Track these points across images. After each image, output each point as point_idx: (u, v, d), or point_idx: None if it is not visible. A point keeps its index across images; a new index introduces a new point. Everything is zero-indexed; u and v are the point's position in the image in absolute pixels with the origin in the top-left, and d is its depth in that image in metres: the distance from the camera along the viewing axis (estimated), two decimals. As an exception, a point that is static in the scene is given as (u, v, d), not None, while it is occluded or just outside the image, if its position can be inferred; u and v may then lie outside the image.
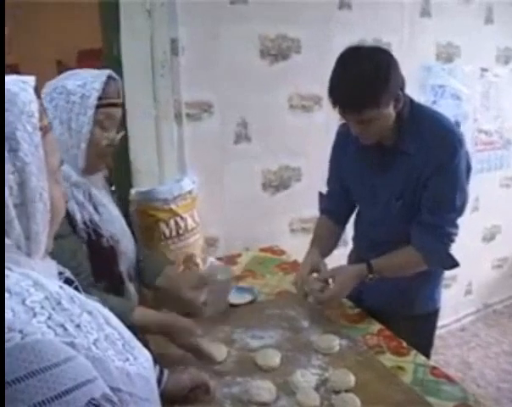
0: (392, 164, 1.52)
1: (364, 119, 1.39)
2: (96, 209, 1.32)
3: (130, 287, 1.43)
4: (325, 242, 1.76)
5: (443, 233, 1.51)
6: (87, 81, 1.25)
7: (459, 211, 1.52)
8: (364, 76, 1.35)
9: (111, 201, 1.42)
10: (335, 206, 1.78)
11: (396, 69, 1.41)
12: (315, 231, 1.82)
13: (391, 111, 1.42)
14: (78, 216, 1.26)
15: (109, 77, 1.29)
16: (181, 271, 1.62)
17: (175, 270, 1.57)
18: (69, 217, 1.25)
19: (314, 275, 1.63)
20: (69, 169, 1.26)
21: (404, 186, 1.53)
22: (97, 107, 1.25)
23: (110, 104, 1.29)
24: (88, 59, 2.67)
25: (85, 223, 1.28)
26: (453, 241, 1.53)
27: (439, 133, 1.47)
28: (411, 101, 1.51)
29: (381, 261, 1.57)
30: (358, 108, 1.38)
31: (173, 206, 2.01)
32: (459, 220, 1.54)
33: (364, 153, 1.57)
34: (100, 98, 1.25)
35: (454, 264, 1.57)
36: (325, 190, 1.84)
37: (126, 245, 1.41)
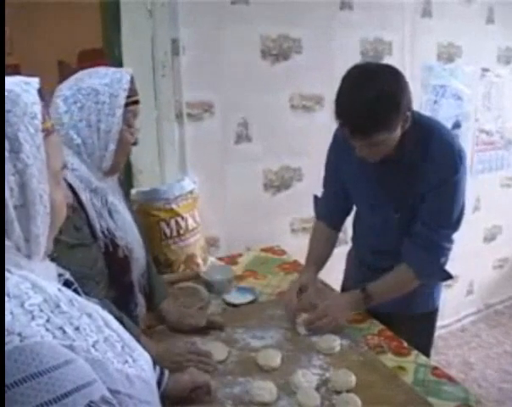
0: (392, 176, 1.50)
1: (373, 143, 1.36)
2: (111, 215, 1.31)
3: (139, 297, 1.41)
4: (321, 256, 1.75)
5: (438, 248, 1.50)
6: (113, 80, 1.24)
7: (455, 227, 1.50)
8: (375, 101, 1.29)
9: (125, 206, 1.39)
10: (331, 209, 1.75)
11: (406, 90, 1.36)
12: (311, 243, 1.79)
13: (399, 132, 1.39)
14: (97, 226, 1.25)
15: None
16: (179, 306, 1.62)
17: (172, 303, 1.58)
18: (89, 226, 1.23)
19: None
20: (90, 174, 1.24)
21: (403, 199, 1.52)
22: (125, 105, 1.25)
23: (135, 102, 1.29)
24: (89, 60, 2.67)
25: (103, 233, 1.26)
26: (447, 255, 1.52)
27: (440, 149, 1.44)
28: (412, 112, 1.45)
29: (377, 288, 1.56)
30: (369, 134, 1.34)
31: (174, 206, 2.01)
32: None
33: (365, 165, 1.52)
34: (126, 97, 1.25)
35: (447, 277, 1.56)
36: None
37: (138, 252, 1.39)
